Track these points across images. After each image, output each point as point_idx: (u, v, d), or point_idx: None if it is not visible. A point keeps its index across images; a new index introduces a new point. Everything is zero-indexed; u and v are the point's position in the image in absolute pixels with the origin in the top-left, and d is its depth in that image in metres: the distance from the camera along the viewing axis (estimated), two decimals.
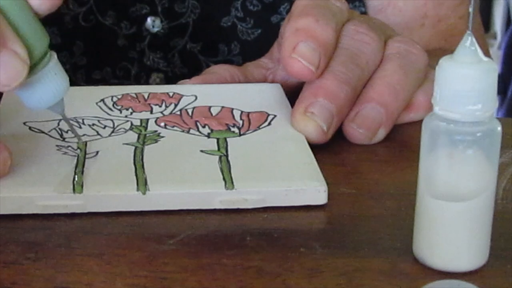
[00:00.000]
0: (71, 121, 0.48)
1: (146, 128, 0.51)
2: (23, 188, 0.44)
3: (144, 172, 0.45)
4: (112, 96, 0.55)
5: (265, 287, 0.38)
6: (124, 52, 0.71)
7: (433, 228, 0.39)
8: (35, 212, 0.43)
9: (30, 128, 0.51)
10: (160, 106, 0.54)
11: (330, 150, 0.51)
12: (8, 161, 0.44)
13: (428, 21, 0.73)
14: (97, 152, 0.47)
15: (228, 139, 0.49)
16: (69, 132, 0.50)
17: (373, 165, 0.50)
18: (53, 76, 0.44)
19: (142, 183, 0.44)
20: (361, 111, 0.52)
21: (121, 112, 0.53)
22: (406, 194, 0.45)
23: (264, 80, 0.59)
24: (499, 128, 0.37)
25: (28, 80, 0.43)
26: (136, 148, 0.48)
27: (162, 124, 0.51)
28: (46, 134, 0.50)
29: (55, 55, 0.44)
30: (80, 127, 0.51)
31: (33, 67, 0.43)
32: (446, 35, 0.73)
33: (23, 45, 0.41)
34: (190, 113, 0.53)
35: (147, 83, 0.72)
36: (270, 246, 0.41)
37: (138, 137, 0.49)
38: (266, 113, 0.53)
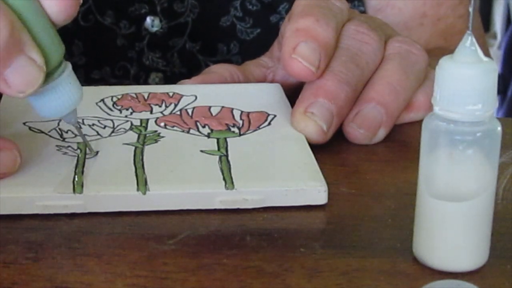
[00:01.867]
0: (82, 132, 0.49)
1: (146, 128, 0.51)
2: (23, 188, 0.44)
3: (144, 172, 0.45)
4: (112, 96, 0.55)
5: (265, 287, 0.38)
6: (123, 52, 0.71)
7: (433, 228, 0.39)
8: (35, 212, 0.43)
9: (30, 128, 0.51)
10: (160, 106, 0.54)
11: (330, 150, 0.51)
12: (18, 159, 0.44)
13: (427, 20, 0.73)
14: (97, 152, 0.47)
15: (228, 139, 0.49)
16: (69, 132, 0.50)
17: (373, 165, 0.50)
18: (68, 86, 0.44)
19: (142, 183, 0.44)
20: (361, 111, 0.52)
21: (121, 112, 0.53)
22: (406, 194, 0.46)
23: (264, 79, 0.59)
24: (499, 128, 0.37)
25: (43, 88, 0.43)
26: (136, 148, 0.48)
27: (162, 124, 0.51)
28: (46, 134, 0.50)
29: (69, 65, 0.44)
30: (80, 127, 0.50)
31: (48, 75, 0.43)
32: (446, 34, 0.73)
33: (40, 52, 0.41)
34: (190, 113, 0.53)
35: (146, 82, 0.72)
36: (270, 246, 0.41)
37: (138, 137, 0.49)
38: (266, 113, 0.53)
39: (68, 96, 0.44)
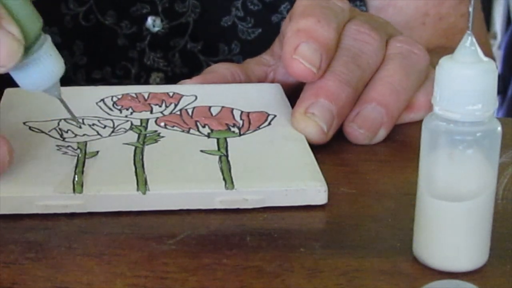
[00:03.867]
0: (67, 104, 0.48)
1: (146, 128, 0.51)
2: (23, 188, 0.44)
3: (144, 172, 0.45)
4: (112, 96, 0.55)
5: (265, 287, 0.38)
6: (124, 52, 0.71)
7: (433, 228, 0.39)
8: (35, 212, 0.43)
9: (30, 128, 0.51)
10: (160, 106, 0.54)
11: (330, 150, 0.51)
12: (7, 157, 0.44)
13: (429, 19, 0.73)
14: (97, 152, 0.47)
15: (228, 139, 0.49)
16: (69, 131, 0.50)
17: (373, 165, 0.50)
18: (49, 57, 0.44)
19: (142, 183, 0.44)
20: (361, 111, 0.52)
21: (121, 112, 0.53)
22: (406, 194, 0.46)
23: (265, 77, 0.59)
24: (499, 128, 0.37)
25: (23, 62, 0.43)
26: (136, 148, 0.48)
27: (162, 124, 0.51)
28: (46, 134, 0.50)
29: (49, 38, 0.45)
30: (80, 127, 0.51)
31: (28, 49, 0.43)
32: (448, 33, 0.73)
33: (17, 25, 0.42)
34: (190, 113, 0.53)
35: (147, 82, 0.72)
36: (270, 246, 0.41)
37: (138, 137, 0.49)
38: (266, 113, 0.53)
39: (50, 68, 0.44)
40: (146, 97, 0.55)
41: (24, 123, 0.51)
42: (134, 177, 0.45)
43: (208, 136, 0.50)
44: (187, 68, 0.72)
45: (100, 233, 0.42)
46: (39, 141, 0.49)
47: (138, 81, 0.72)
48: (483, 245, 0.39)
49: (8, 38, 0.41)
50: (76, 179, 0.44)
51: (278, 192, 0.44)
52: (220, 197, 0.44)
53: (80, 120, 0.52)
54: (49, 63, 0.44)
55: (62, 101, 0.47)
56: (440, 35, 0.73)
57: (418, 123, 0.40)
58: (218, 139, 0.49)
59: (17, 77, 0.44)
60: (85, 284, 0.38)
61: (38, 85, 0.45)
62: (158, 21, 0.71)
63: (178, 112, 0.53)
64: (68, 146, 0.48)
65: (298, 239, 0.42)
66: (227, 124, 0.51)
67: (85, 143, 0.48)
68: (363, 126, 0.51)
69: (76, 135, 0.50)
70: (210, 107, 0.53)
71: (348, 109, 0.51)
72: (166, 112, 0.53)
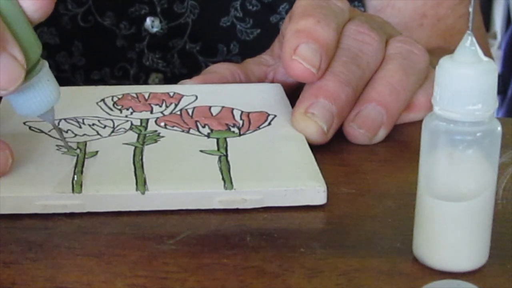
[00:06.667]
0: (62, 131, 0.49)
1: (146, 128, 0.51)
2: (23, 188, 0.44)
3: (143, 172, 0.45)
4: (113, 96, 0.55)
5: (265, 287, 0.38)
6: (123, 53, 0.71)
7: (433, 228, 0.39)
8: (34, 212, 0.43)
9: (30, 128, 0.51)
10: (160, 106, 0.54)
11: (330, 150, 0.51)
12: (9, 159, 0.44)
13: (427, 21, 0.73)
14: (97, 152, 0.47)
15: (228, 139, 0.49)
16: (69, 131, 0.50)
17: (373, 165, 0.50)
18: (46, 83, 0.44)
19: (141, 183, 0.44)
20: (361, 111, 0.52)
21: (121, 112, 0.53)
22: (406, 194, 0.46)
23: (265, 77, 0.59)
24: (499, 128, 0.37)
25: (22, 86, 0.43)
26: (135, 148, 0.48)
27: (162, 124, 0.51)
28: (46, 134, 0.50)
29: (46, 64, 0.45)
30: (80, 127, 0.51)
31: (27, 73, 0.43)
32: (446, 34, 0.73)
33: (20, 49, 0.42)
34: (190, 113, 0.53)
35: (146, 83, 0.72)
36: (270, 246, 0.41)
37: (138, 137, 0.49)
38: (266, 113, 0.53)
39: (47, 94, 0.44)
40: (146, 97, 0.55)
41: (24, 123, 0.51)
42: (133, 177, 0.45)
43: (208, 136, 0.50)
44: (186, 68, 0.72)
45: (100, 233, 0.42)
46: (39, 141, 0.49)
47: (137, 81, 0.72)
48: (483, 245, 0.39)
49: (11, 61, 0.41)
50: (75, 179, 0.44)
51: (277, 192, 0.44)
52: (219, 197, 0.44)
53: (80, 120, 0.52)
54: (46, 89, 0.44)
55: (55, 126, 0.47)
56: (438, 36, 0.73)
57: (418, 123, 0.41)
58: (218, 139, 0.49)
59: (13, 101, 0.44)
60: (85, 284, 0.38)
61: (34, 111, 0.45)
62: (157, 22, 0.71)
63: (178, 112, 0.53)
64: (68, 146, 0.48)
65: (298, 239, 0.42)
66: (227, 124, 0.51)
67: (85, 143, 0.48)
68: (363, 126, 0.51)
69: (76, 135, 0.50)
70: (210, 107, 0.53)
71: (348, 109, 0.51)
72: (166, 112, 0.53)
